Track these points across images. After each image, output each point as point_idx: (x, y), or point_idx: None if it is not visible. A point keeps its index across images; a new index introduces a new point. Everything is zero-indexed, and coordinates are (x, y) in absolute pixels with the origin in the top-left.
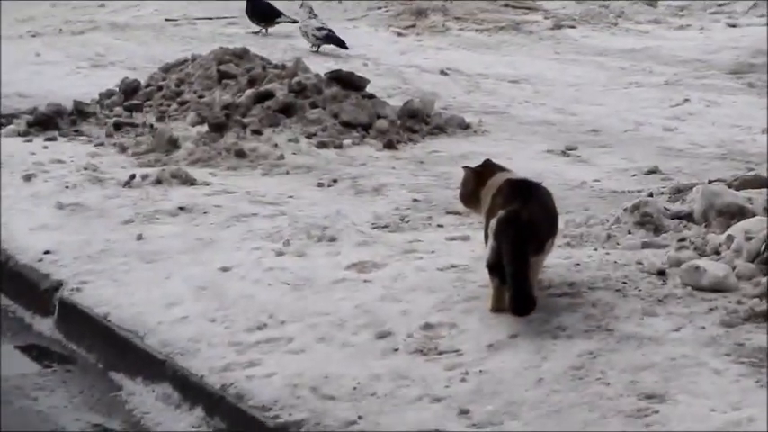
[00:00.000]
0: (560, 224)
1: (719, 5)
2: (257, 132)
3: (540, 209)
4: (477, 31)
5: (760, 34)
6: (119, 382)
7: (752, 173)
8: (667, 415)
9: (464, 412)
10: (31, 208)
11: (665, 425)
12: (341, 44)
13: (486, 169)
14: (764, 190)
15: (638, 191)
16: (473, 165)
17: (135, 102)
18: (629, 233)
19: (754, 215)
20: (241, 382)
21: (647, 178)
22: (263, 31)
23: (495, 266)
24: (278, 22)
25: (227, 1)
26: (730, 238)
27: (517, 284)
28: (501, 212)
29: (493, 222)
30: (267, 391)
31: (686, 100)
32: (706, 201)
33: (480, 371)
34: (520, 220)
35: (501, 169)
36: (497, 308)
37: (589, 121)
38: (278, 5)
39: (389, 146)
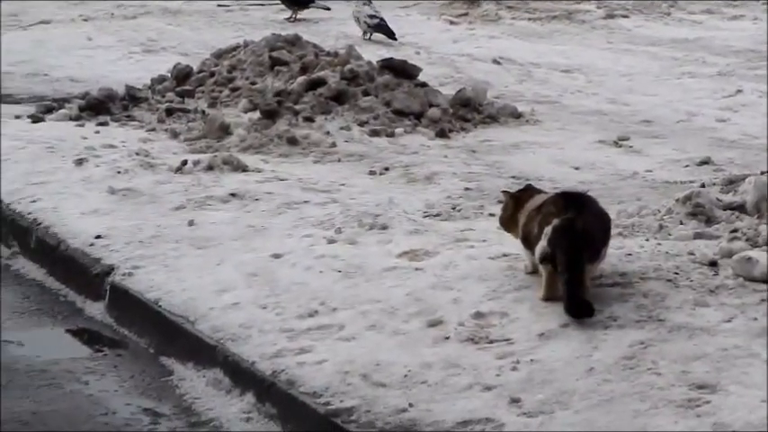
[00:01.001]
0: (612, 214)
1: None
2: (309, 119)
3: (593, 218)
4: (529, 19)
5: None
6: (169, 367)
7: None
8: (718, 405)
9: (515, 401)
10: (83, 192)
11: (716, 415)
12: (390, 35)
13: (525, 193)
14: None
15: (691, 181)
16: (515, 187)
17: (187, 87)
18: (681, 224)
19: None
20: (292, 368)
21: (699, 169)
22: (294, 15)
23: (547, 257)
24: (310, 7)
25: None
26: None
27: (572, 291)
28: (556, 221)
29: (548, 230)
30: (318, 377)
31: (739, 91)
32: (758, 192)
33: (531, 360)
34: (575, 228)
35: (540, 192)
36: (549, 296)
37: (641, 112)
38: None
39: (441, 134)
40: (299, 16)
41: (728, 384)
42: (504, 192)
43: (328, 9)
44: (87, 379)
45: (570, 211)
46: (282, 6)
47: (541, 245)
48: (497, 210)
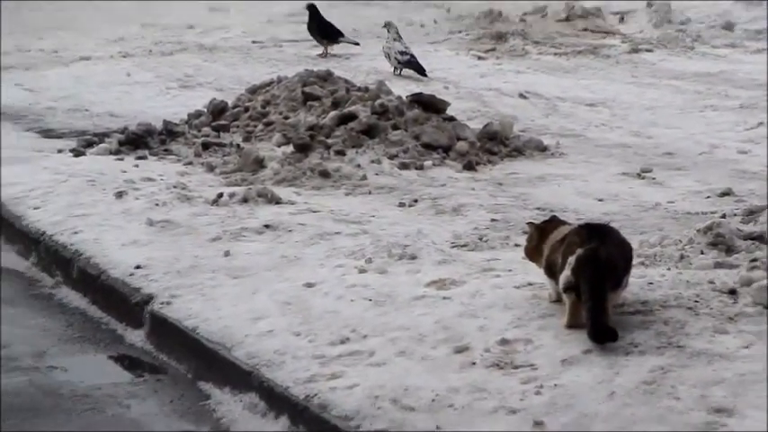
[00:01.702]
0: (634, 244)
1: None
2: (341, 153)
3: (615, 248)
4: (555, 54)
5: None
6: (207, 392)
7: None
8: (736, 429)
9: (538, 424)
10: (123, 224)
11: None
12: (421, 71)
13: (550, 225)
14: None
15: (712, 212)
16: (540, 218)
17: (222, 122)
18: (702, 253)
19: None
20: (324, 392)
21: (720, 200)
22: (326, 51)
23: (571, 286)
24: (340, 42)
25: None
26: None
27: (596, 318)
28: (580, 251)
29: (571, 260)
30: (349, 401)
31: (761, 123)
32: None
33: (555, 385)
34: (599, 258)
35: (564, 224)
36: (573, 324)
37: (664, 144)
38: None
39: (469, 167)
40: (330, 51)
41: (745, 408)
42: (529, 223)
43: (357, 44)
44: (129, 403)
45: (593, 242)
46: (315, 43)
47: (565, 274)
48: (522, 240)
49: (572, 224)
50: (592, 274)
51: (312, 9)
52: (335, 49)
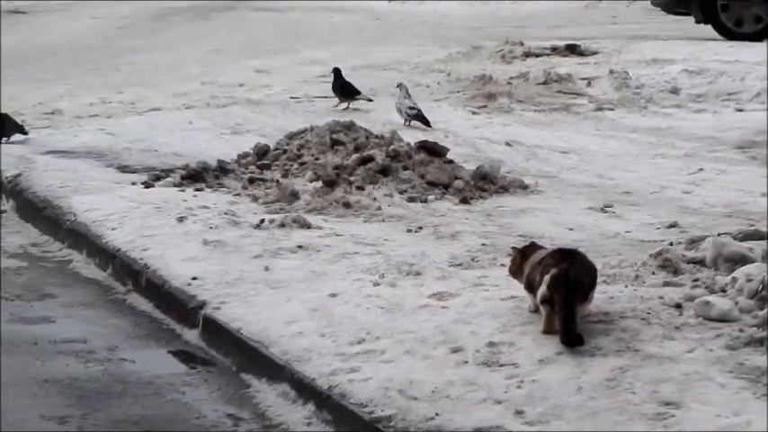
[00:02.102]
0: (598, 266)
1: (729, 94)
2: (360, 188)
3: (583, 268)
4: (535, 111)
5: (762, 117)
6: (248, 382)
7: (752, 228)
8: (681, 419)
9: (519, 413)
10: (183, 243)
11: (680, 426)
12: (426, 123)
13: (530, 249)
14: (763, 242)
15: (661, 240)
16: (521, 243)
17: (265, 162)
18: (653, 274)
19: (753, 261)
20: (344, 384)
21: (668, 231)
22: (346, 105)
23: (547, 300)
24: (357, 99)
25: None
26: (734, 280)
27: (566, 326)
28: (554, 270)
29: (547, 278)
30: (364, 391)
31: (701, 169)
32: (715, 249)
33: (533, 380)
34: (569, 276)
35: (541, 248)
36: (548, 330)
37: (623, 185)
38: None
39: (464, 201)
40: (351, 107)
41: (690, 402)
42: (512, 248)
43: (371, 100)
44: (184, 390)
45: (565, 263)
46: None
47: (542, 290)
48: (507, 261)
49: (547, 249)
50: (563, 289)
51: (336, 72)
52: (355, 104)
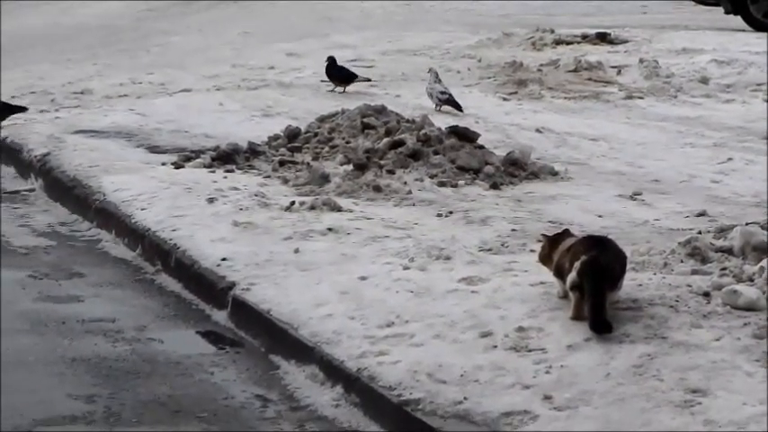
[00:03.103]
0: (627, 253)
1: (758, 84)
2: (391, 172)
3: (613, 255)
4: (565, 98)
5: None
6: (277, 363)
7: None
8: (708, 406)
9: (547, 398)
10: (213, 224)
11: (707, 414)
12: (458, 107)
13: (559, 237)
14: None
15: (690, 229)
16: (551, 230)
17: (296, 144)
18: (682, 262)
19: None
20: (373, 367)
21: (697, 219)
22: (340, 89)
23: (576, 287)
24: (354, 83)
25: (370, 68)
26: (762, 269)
27: (596, 313)
28: (584, 257)
29: (577, 264)
30: (393, 374)
31: (730, 159)
32: (744, 239)
33: (561, 366)
34: (599, 263)
35: (571, 236)
36: (576, 316)
37: (652, 173)
38: None
39: (494, 187)
40: (347, 90)
41: (717, 390)
42: (542, 235)
43: (368, 80)
44: (212, 370)
45: (595, 250)
46: (372, 83)
47: (571, 276)
48: (537, 247)
49: (577, 236)
50: (593, 276)
51: (331, 60)
52: (390, 89)
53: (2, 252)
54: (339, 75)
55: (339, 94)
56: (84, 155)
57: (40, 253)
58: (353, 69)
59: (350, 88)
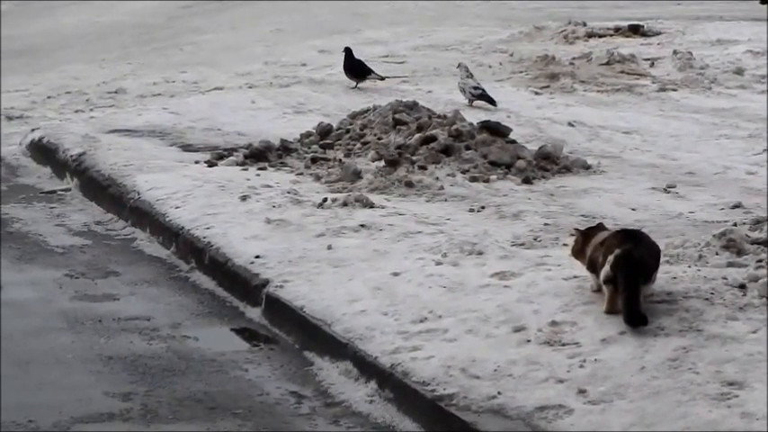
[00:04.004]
0: (661, 246)
1: None
2: (423, 168)
3: (646, 249)
4: (598, 91)
5: None
6: (311, 360)
7: None
8: (745, 399)
9: (582, 392)
10: (246, 222)
11: (743, 407)
12: (491, 102)
13: (592, 231)
14: None
15: (725, 221)
16: (584, 224)
17: (328, 141)
18: (717, 254)
19: None
20: (406, 362)
21: (732, 211)
22: (356, 85)
23: (610, 280)
24: (369, 78)
25: (402, 64)
26: None
27: (630, 306)
28: (618, 250)
29: (610, 258)
30: (427, 370)
31: (765, 150)
32: None
33: (595, 359)
34: (633, 256)
35: (604, 230)
36: (610, 310)
37: (686, 165)
38: None
39: (526, 181)
40: (360, 86)
41: (753, 382)
42: (575, 229)
43: (383, 79)
44: (247, 367)
45: (628, 244)
46: (403, 79)
47: (605, 269)
48: (570, 241)
49: (610, 230)
50: (627, 269)
51: (347, 51)
52: (422, 84)
53: (39, 252)
54: (351, 69)
55: (367, 90)
56: (118, 154)
57: (76, 252)
58: (376, 65)
59: (375, 84)
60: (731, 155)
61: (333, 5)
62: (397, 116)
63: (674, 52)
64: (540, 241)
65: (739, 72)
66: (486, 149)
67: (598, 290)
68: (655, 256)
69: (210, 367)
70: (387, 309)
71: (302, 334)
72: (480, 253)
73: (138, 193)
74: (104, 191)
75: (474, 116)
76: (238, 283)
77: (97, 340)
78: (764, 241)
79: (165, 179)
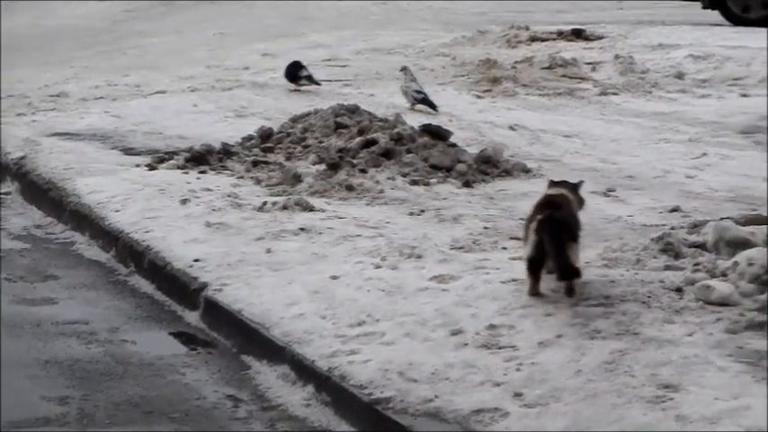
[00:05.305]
0: (600, 249)
1: (734, 79)
2: (363, 171)
3: (566, 212)
4: (539, 95)
5: (766, 103)
6: (248, 363)
7: (755, 212)
8: (680, 402)
9: (518, 395)
10: (186, 225)
11: (678, 409)
12: (432, 107)
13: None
14: (764, 226)
15: (663, 225)
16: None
17: (269, 145)
18: (655, 258)
19: (755, 246)
20: (344, 366)
21: (670, 215)
22: (294, 88)
23: (533, 260)
24: (302, 83)
25: (345, 68)
26: (735, 264)
27: (560, 261)
28: (539, 216)
29: (533, 225)
30: (364, 373)
31: (704, 154)
32: (717, 234)
33: (532, 363)
34: (555, 218)
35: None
36: (533, 292)
37: (626, 169)
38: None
39: (467, 185)
40: (302, 88)
41: (689, 385)
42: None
43: (319, 84)
44: (184, 371)
45: (548, 209)
46: (345, 82)
47: (528, 247)
48: (510, 244)
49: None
50: (551, 229)
51: (295, 61)
52: (364, 88)
53: None
54: (287, 73)
55: (309, 93)
56: (59, 157)
57: (15, 256)
58: (319, 69)
59: (318, 88)
60: (671, 159)
61: (278, 9)
62: (338, 120)
63: (616, 56)
64: (479, 245)
65: (680, 76)
66: (427, 153)
67: (535, 293)
68: (575, 219)
69: (148, 371)
70: (325, 312)
71: (240, 338)
72: (419, 256)
73: (78, 197)
74: (45, 194)
75: (415, 120)
76: (177, 286)
77: (35, 344)
78: (702, 245)
79: (106, 183)
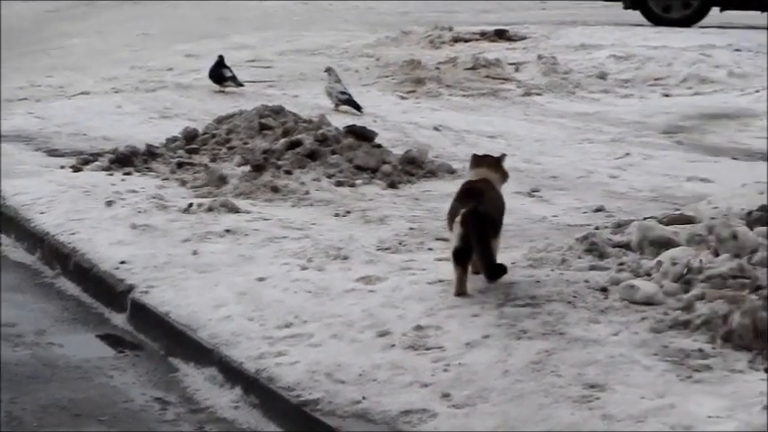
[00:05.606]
0: (525, 249)
1: (656, 79)
2: (288, 173)
3: (489, 204)
4: (463, 96)
5: (688, 102)
6: (176, 366)
7: (677, 212)
8: (606, 401)
9: (446, 396)
10: (111, 227)
11: (605, 408)
12: (357, 108)
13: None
14: (687, 226)
15: (588, 225)
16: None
17: (194, 146)
18: (579, 258)
19: (678, 245)
20: (272, 368)
21: (594, 215)
22: (218, 89)
23: (459, 253)
24: (227, 85)
25: (269, 69)
26: (659, 263)
27: (487, 261)
28: (463, 210)
29: (458, 218)
30: (292, 375)
31: (627, 154)
32: (641, 233)
33: (459, 363)
34: (478, 212)
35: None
36: (460, 292)
37: (550, 169)
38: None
39: (392, 185)
40: (224, 90)
41: (615, 384)
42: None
43: (242, 85)
44: (112, 374)
45: (473, 201)
46: (269, 84)
47: (454, 239)
48: (435, 245)
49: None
50: (475, 225)
51: (219, 58)
52: (288, 89)
53: None
54: (211, 74)
55: (234, 94)
56: None
57: None
58: (242, 70)
59: (242, 89)
60: (594, 159)
61: (201, 10)
62: (263, 121)
63: (539, 57)
64: (405, 246)
65: (602, 77)
66: (352, 154)
67: (461, 293)
68: (499, 206)
69: (75, 374)
70: (252, 314)
71: (168, 340)
72: (345, 258)
73: (3, 199)
74: None
75: (340, 121)
76: (103, 288)
77: None
78: (626, 244)
79: (31, 184)
